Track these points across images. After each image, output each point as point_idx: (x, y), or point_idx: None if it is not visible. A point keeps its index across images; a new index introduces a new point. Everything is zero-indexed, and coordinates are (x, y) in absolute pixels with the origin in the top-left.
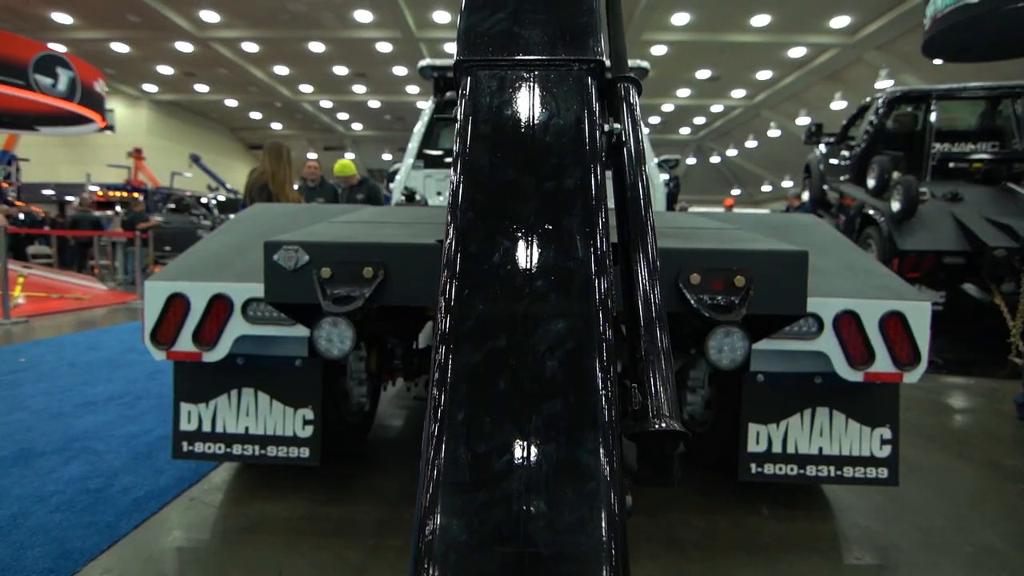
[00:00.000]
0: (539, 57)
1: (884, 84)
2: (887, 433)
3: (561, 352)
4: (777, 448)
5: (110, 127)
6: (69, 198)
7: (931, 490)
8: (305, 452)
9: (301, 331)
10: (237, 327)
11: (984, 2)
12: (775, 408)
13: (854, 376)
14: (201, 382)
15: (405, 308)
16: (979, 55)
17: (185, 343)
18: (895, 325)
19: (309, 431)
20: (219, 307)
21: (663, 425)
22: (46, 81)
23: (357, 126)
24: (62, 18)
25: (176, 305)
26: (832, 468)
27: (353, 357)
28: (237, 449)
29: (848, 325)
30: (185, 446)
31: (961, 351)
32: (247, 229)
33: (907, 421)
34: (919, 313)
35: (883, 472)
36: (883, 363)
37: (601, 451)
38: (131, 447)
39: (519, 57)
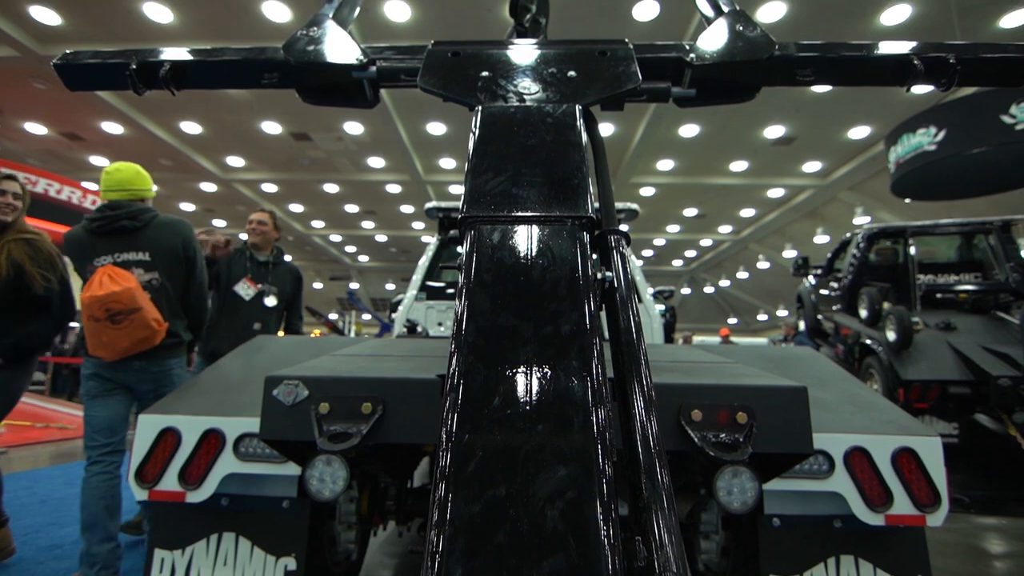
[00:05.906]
0: (536, 214)
1: (861, 220)
2: None
3: (562, 502)
4: None
5: None
6: (73, 324)
7: None
8: None
9: (291, 469)
10: (227, 464)
11: (941, 149)
12: (797, 557)
13: (874, 519)
14: (180, 526)
15: (402, 445)
16: (943, 195)
17: (170, 482)
18: (908, 462)
19: None
20: (211, 443)
21: None
22: None
23: (363, 258)
24: (99, 161)
25: (167, 440)
26: None
27: (344, 498)
28: None
29: (860, 463)
30: None
31: (986, 487)
32: (246, 362)
33: (943, 570)
34: (931, 449)
35: None
36: (902, 504)
37: None
38: None
39: (518, 214)
